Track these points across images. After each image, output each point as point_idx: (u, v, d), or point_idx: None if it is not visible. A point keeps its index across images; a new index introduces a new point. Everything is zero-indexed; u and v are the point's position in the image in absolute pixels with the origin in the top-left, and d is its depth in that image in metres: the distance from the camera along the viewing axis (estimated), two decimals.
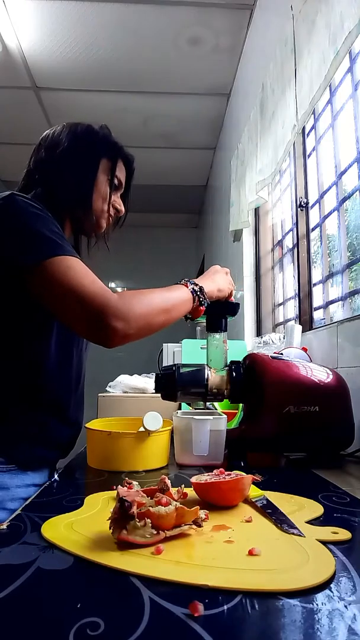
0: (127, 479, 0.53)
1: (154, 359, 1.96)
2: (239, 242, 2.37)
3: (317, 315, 1.54)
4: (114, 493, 0.60)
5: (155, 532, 0.43)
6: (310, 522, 0.50)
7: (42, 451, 0.82)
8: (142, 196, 3.96)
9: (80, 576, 0.38)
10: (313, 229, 1.59)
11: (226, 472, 0.59)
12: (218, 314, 0.91)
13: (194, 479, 0.58)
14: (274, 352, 1.08)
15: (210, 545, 0.43)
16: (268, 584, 0.35)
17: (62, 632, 0.29)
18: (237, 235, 2.39)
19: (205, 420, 0.81)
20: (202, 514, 0.47)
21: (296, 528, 0.47)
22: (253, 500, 0.57)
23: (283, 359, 0.89)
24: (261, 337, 1.66)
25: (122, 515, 0.43)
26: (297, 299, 1.64)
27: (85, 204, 0.89)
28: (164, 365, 1.47)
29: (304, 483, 0.69)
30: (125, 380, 1.37)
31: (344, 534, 0.46)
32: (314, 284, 1.58)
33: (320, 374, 0.86)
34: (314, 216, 1.59)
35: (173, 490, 0.51)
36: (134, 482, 0.53)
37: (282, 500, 0.57)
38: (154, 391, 0.90)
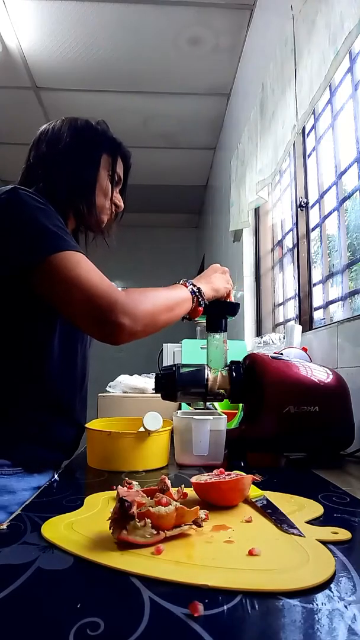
0: (127, 479, 0.53)
1: (154, 359, 1.96)
2: (239, 242, 2.37)
3: (317, 315, 1.54)
4: (114, 493, 0.60)
5: (155, 532, 0.43)
6: (310, 522, 0.50)
7: (47, 453, 0.82)
8: (142, 196, 3.96)
9: (80, 576, 0.38)
10: (313, 229, 1.59)
11: (226, 472, 0.59)
12: (218, 314, 0.91)
13: (194, 479, 0.58)
14: (274, 352, 1.08)
15: (210, 545, 0.43)
16: (268, 584, 0.35)
17: (62, 632, 0.29)
18: (237, 235, 2.39)
19: (205, 420, 0.81)
20: (202, 514, 0.47)
21: (296, 528, 0.47)
22: (253, 500, 0.57)
23: (283, 359, 0.89)
24: (261, 337, 1.66)
25: (122, 515, 0.43)
26: (297, 299, 1.64)
27: (88, 199, 0.88)
28: (164, 365, 1.47)
29: (304, 483, 0.69)
30: (125, 380, 1.37)
31: (344, 534, 0.46)
32: (314, 284, 1.58)
33: (320, 374, 0.86)
34: (314, 216, 1.59)
35: (173, 490, 0.51)
36: (134, 482, 0.53)
37: (282, 500, 0.57)
38: (154, 391, 0.90)
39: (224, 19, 2.10)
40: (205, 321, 0.92)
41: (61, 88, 2.63)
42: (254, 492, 0.59)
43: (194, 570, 0.38)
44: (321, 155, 1.55)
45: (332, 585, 0.36)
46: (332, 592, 0.35)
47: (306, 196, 1.65)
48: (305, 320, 1.55)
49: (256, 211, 2.25)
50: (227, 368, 0.88)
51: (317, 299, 1.55)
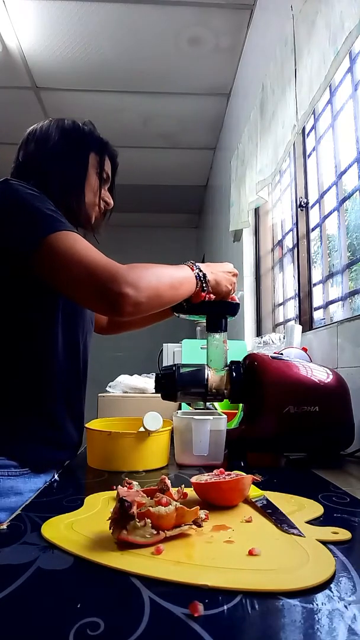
0: (127, 479, 0.53)
1: (153, 359, 1.96)
2: (239, 242, 2.37)
3: (317, 315, 1.54)
4: (114, 493, 0.60)
5: (155, 532, 0.43)
6: (310, 522, 0.50)
7: (53, 452, 0.82)
8: (142, 196, 3.96)
9: (80, 576, 0.38)
10: (313, 229, 1.59)
11: (226, 472, 0.59)
12: (218, 314, 0.91)
13: (194, 479, 0.58)
14: (274, 352, 1.08)
15: (210, 545, 0.43)
16: (268, 584, 0.35)
17: (62, 632, 0.29)
18: (237, 235, 2.39)
19: (205, 420, 0.81)
20: (202, 514, 0.47)
21: (296, 528, 0.47)
22: (253, 500, 0.57)
23: (283, 359, 0.89)
24: (261, 337, 1.66)
25: (122, 515, 0.43)
26: (297, 299, 1.64)
27: (78, 196, 0.90)
28: (164, 365, 1.47)
29: (304, 483, 0.69)
30: (125, 380, 1.37)
31: (344, 534, 0.46)
32: (314, 284, 1.58)
33: (320, 374, 0.86)
34: (314, 216, 1.59)
35: (173, 490, 0.51)
36: (134, 482, 0.53)
37: (282, 500, 0.57)
38: (154, 391, 0.90)
39: (224, 19, 2.10)
40: (205, 321, 0.92)
41: (61, 88, 2.62)
42: (254, 492, 0.59)
43: (194, 570, 0.38)
44: (321, 155, 1.55)
45: (332, 585, 0.36)
46: (332, 592, 0.35)
47: (306, 196, 1.65)
48: (305, 320, 1.55)
49: (256, 211, 2.25)
50: (227, 368, 0.88)
51: (317, 299, 1.55)
